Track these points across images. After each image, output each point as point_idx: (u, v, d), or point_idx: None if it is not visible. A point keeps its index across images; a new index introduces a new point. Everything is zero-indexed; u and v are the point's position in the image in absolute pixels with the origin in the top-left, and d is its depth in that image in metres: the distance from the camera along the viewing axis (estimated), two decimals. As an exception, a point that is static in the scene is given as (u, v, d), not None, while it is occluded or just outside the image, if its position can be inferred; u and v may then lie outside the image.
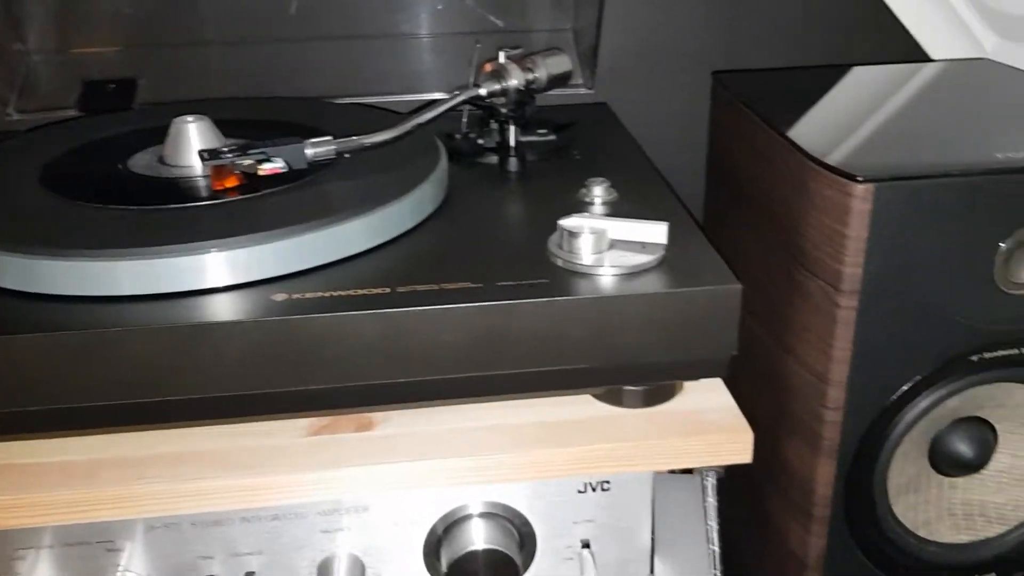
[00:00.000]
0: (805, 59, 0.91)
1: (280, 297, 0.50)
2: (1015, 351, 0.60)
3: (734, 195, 0.76)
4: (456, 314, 0.50)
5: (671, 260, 0.53)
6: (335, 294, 0.50)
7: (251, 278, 0.51)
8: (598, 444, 0.53)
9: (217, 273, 0.51)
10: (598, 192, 0.62)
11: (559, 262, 0.53)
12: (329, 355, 0.49)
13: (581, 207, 0.62)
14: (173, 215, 0.55)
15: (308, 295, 0.50)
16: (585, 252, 0.53)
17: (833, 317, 0.58)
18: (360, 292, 0.50)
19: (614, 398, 0.56)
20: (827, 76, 0.80)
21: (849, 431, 0.61)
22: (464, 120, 0.74)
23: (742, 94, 0.74)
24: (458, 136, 0.73)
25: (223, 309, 0.49)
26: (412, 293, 0.50)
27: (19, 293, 0.51)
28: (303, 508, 0.55)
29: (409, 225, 0.58)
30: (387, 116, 0.74)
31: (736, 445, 0.54)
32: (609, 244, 0.54)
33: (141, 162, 0.63)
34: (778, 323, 0.65)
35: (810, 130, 0.64)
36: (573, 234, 0.53)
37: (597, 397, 0.57)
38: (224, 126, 0.65)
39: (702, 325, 0.51)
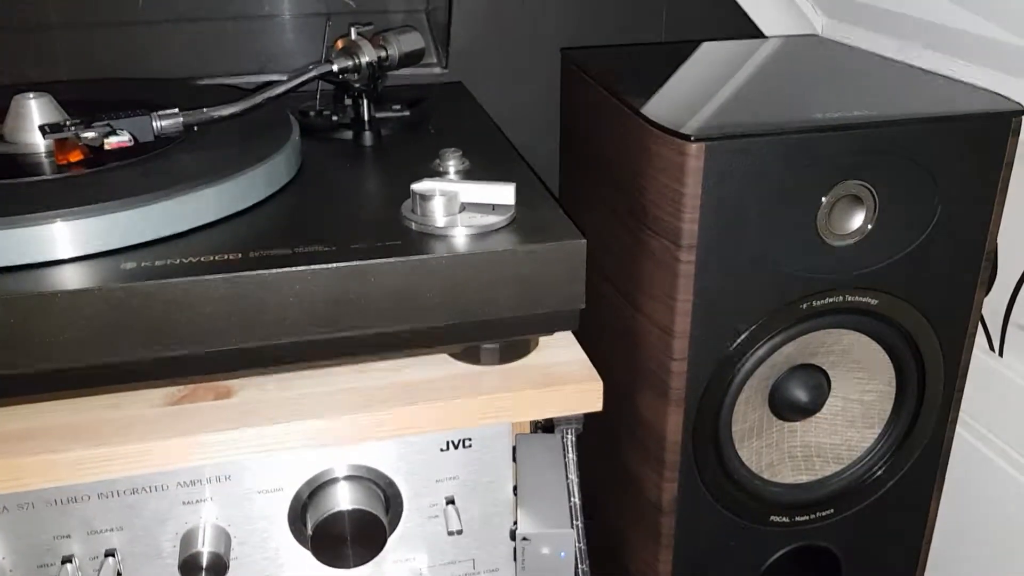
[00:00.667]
0: (651, 37, 0.95)
1: (129, 266, 0.49)
2: (839, 298, 0.65)
3: (585, 167, 0.79)
4: (309, 276, 0.50)
5: (520, 220, 0.56)
6: (185, 261, 0.50)
7: (98, 249, 0.51)
8: (456, 400, 0.55)
9: (62, 244, 0.50)
10: (451, 162, 0.64)
11: (413, 226, 0.55)
12: (181, 321, 0.49)
13: (435, 177, 0.63)
14: (13, 188, 0.54)
15: (157, 263, 0.50)
16: (437, 214, 0.55)
17: (675, 271, 0.61)
18: (211, 258, 0.50)
19: (472, 356, 0.58)
20: (669, 51, 0.85)
21: (694, 380, 0.64)
22: (318, 97, 0.75)
23: (588, 68, 0.77)
24: (312, 113, 0.74)
25: (68, 279, 0.48)
26: (264, 257, 0.51)
27: None
28: (163, 480, 0.54)
29: (262, 196, 0.58)
30: (242, 95, 0.74)
31: (587, 395, 0.57)
32: (461, 207, 0.56)
33: (-21, 140, 0.61)
34: (628, 283, 0.69)
35: (651, 99, 0.68)
36: (425, 197, 0.55)
37: (455, 357, 0.58)
38: (71, 107, 0.63)
39: (551, 280, 0.54)
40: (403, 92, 0.79)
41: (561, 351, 0.60)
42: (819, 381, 0.69)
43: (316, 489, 0.57)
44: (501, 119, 0.79)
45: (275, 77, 0.84)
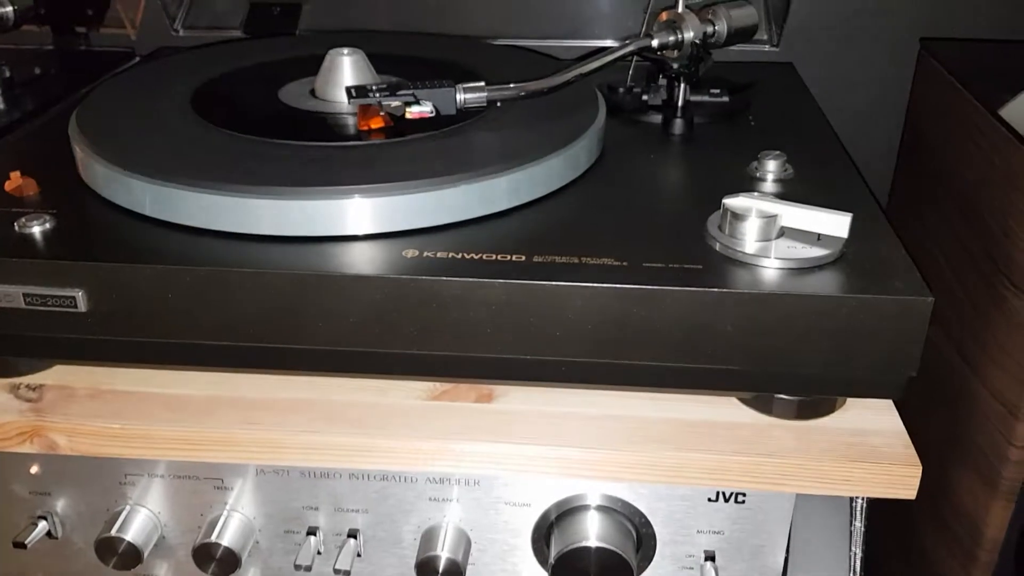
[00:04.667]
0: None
1: (411, 254, 0.46)
2: None
3: (929, 183, 0.67)
4: (594, 294, 0.45)
5: (850, 258, 0.46)
6: (468, 256, 0.46)
7: (385, 229, 0.48)
8: (739, 456, 0.47)
9: (352, 221, 0.48)
10: (771, 167, 0.56)
11: (717, 246, 0.47)
12: (454, 321, 0.45)
13: (750, 183, 0.55)
14: (315, 154, 0.52)
15: (439, 254, 0.46)
16: (749, 238, 0.47)
17: (1038, 343, 0.49)
18: (495, 257, 0.46)
19: (763, 405, 0.50)
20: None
21: (1036, 474, 0.52)
22: (630, 72, 0.68)
23: (953, 66, 0.65)
24: (621, 89, 0.67)
25: (352, 260, 0.46)
26: (549, 264, 0.46)
27: (157, 221, 0.49)
28: (413, 472, 0.52)
29: (556, 185, 0.53)
30: (547, 63, 0.69)
31: (900, 479, 0.47)
32: (779, 231, 0.47)
33: (292, 93, 0.61)
34: (968, 339, 0.57)
35: (1037, 118, 0.55)
36: (737, 216, 0.47)
37: (743, 400, 0.51)
38: (380, 61, 0.61)
39: (879, 339, 0.44)
40: (723, 69, 0.69)
41: (873, 416, 0.50)
42: None
43: (565, 512, 0.53)
44: (832, 109, 0.68)
45: (586, 43, 0.78)
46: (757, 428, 0.49)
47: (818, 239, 0.47)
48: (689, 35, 0.62)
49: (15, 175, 0.53)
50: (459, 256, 0.46)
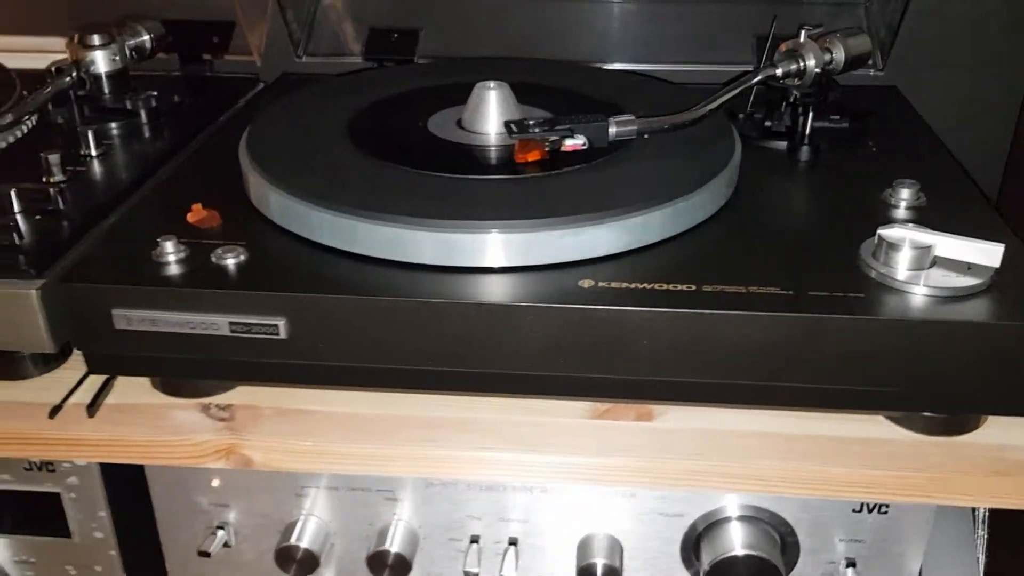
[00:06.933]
0: None
1: (586, 284, 0.50)
2: None
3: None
4: (762, 322, 0.48)
5: (1000, 286, 0.49)
6: (640, 286, 0.49)
7: (555, 260, 0.51)
8: (890, 471, 0.50)
9: (524, 253, 0.51)
10: (905, 195, 0.59)
11: (873, 274, 0.50)
12: (626, 346, 0.49)
13: (885, 209, 0.58)
14: (483, 187, 0.55)
15: (613, 284, 0.50)
16: (903, 267, 0.50)
17: None
18: (666, 287, 0.49)
19: (911, 422, 0.53)
20: None
21: None
22: (750, 99, 0.71)
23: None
24: (741, 116, 0.70)
25: (533, 290, 0.49)
26: (719, 294, 0.49)
27: (330, 249, 0.53)
28: (576, 486, 0.55)
29: (705, 215, 0.56)
30: (670, 90, 0.72)
31: (1046, 491, 0.50)
32: (931, 261, 0.50)
33: (439, 123, 0.64)
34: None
35: None
36: (893, 246, 0.50)
37: (890, 418, 0.54)
38: (517, 91, 0.64)
39: (1029, 364, 0.47)
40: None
41: (1017, 431, 0.53)
42: None
43: (713, 523, 0.56)
44: (937, 132, 0.70)
45: (696, 67, 0.81)
46: (904, 444, 0.52)
47: (968, 268, 0.50)
48: (811, 63, 0.64)
49: (197, 207, 0.56)
50: (632, 286, 0.50)
